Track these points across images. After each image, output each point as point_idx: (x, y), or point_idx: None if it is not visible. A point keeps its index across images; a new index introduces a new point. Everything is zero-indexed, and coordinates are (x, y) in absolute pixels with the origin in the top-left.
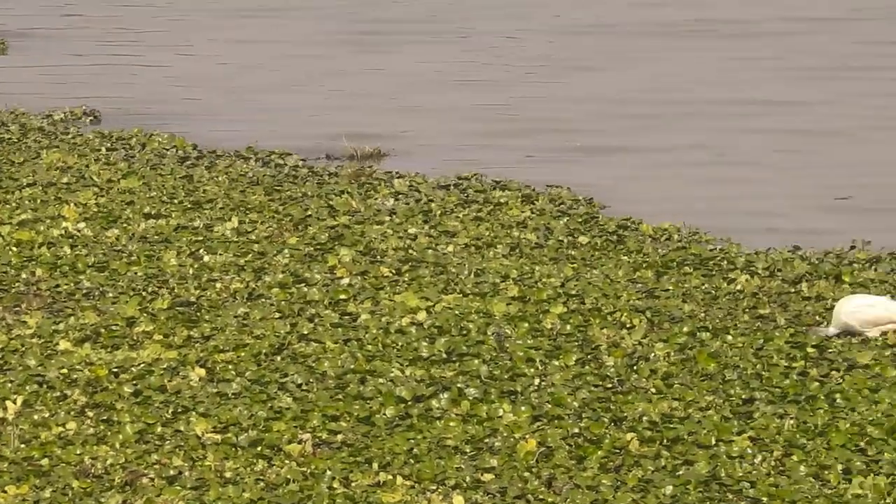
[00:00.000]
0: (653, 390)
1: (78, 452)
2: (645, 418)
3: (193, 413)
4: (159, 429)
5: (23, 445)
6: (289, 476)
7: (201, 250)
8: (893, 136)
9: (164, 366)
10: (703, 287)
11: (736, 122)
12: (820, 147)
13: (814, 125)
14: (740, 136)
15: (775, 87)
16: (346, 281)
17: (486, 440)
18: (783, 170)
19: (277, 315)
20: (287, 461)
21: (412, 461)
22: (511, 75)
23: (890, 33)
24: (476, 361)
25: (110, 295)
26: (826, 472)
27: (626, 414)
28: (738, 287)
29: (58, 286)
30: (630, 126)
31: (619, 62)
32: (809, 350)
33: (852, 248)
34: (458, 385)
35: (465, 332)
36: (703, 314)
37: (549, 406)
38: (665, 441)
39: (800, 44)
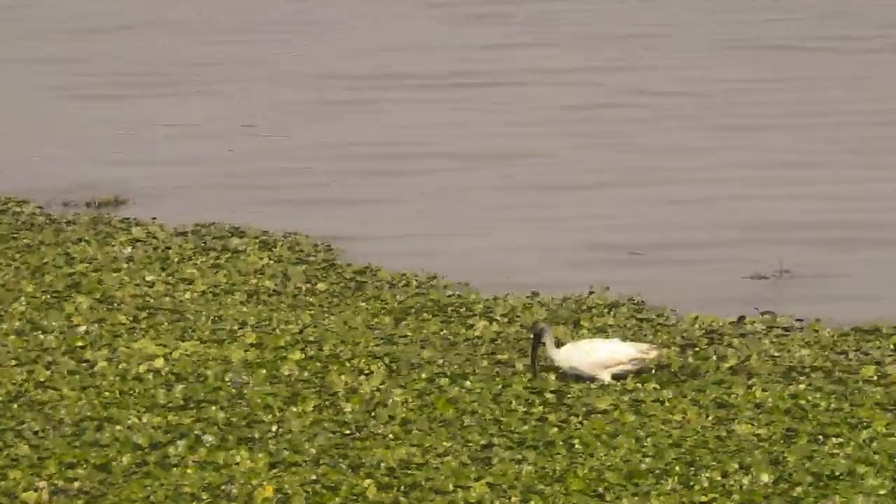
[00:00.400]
0: (391, 436)
1: None
2: (383, 464)
3: None
4: None
5: None
6: None
7: None
8: (631, 189)
9: None
10: (442, 333)
11: (475, 174)
12: (560, 199)
13: (552, 178)
14: (479, 188)
15: (513, 140)
16: (83, 328)
17: (224, 487)
18: (523, 220)
19: (14, 362)
20: None
21: None
22: (246, 125)
23: (637, 83)
24: (213, 408)
25: None
26: None
27: (363, 460)
28: (477, 333)
29: None
30: (371, 176)
31: (355, 112)
32: (548, 396)
33: (591, 293)
34: (196, 432)
35: (202, 378)
36: (441, 360)
37: (287, 453)
38: (403, 487)
39: (541, 96)
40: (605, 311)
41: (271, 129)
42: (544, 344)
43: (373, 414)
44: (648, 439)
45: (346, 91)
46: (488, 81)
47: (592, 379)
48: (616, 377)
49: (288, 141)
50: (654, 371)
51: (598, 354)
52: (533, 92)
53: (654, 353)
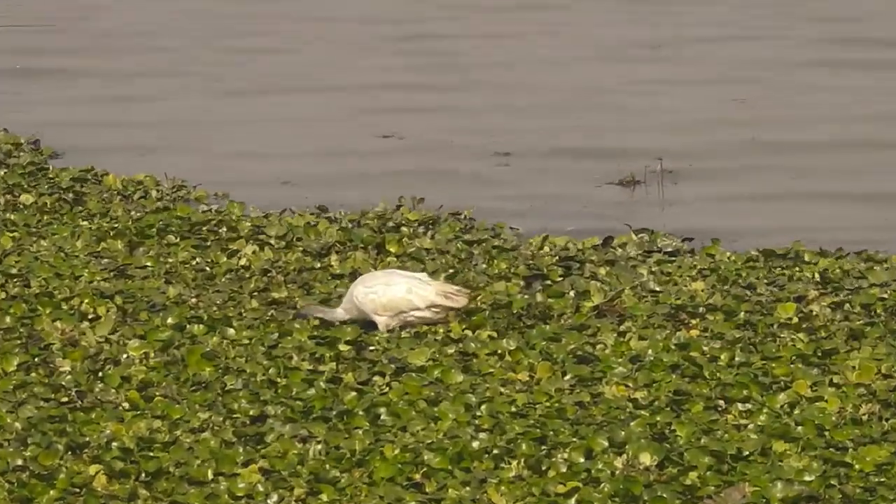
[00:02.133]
0: (125, 406)
1: None
2: (115, 444)
3: None
4: None
5: None
6: None
7: None
8: (428, 89)
9: None
10: (195, 263)
11: (186, 77)
12: (329, 100)
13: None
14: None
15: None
16: None
17: None
18: (284, 121)
19: None
20: None
21: None
22: None
23: None
24: None
25: None
26: None
27: (88, 439)
28: (244, 262)
29: None
30: (67, 72)
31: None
32: (342, 348)
33: (399, 207)
34: None
35: None
36: (194, 300)
37: None
38: (143, 476)
39: None
40: (421, 230)
41: None
42: (322, 319)
43: (100, 375)
44: (483, 407)
45: None
46: None
47: (383, 326)
48: (409, 325)
49: None
50: (488, 313)
51: (389, 293)
52: None
53: (462, 301)
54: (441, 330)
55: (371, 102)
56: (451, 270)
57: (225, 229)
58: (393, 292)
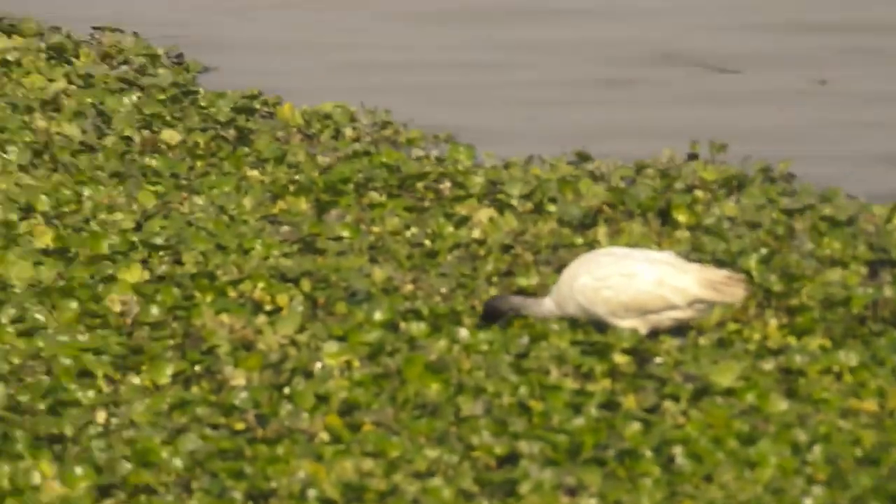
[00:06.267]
0: (324, 437)
1: None
2: (312, 492)
3: None
4: None
5: None
6: None
7: None
8: None
9: None
10: (409, 233)
11: None
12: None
13: None
14: None
15: None
16: None
17: None
18: None
19: None
20: None
21: None
22: None
23: None
24: None
25: None
26: None
27: (274, 485)
28: (477, 233)
29: None
30: None
31: None
32: (619, 359)
33: (691, 157)
34: None
35: None
36: (410, 286)
37: None
38: None
39: None
40: (722, 192)
41: None
42: (514, 314)
43: (286, 392)
44: (817, 448)
45: None
46: None
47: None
48: (655, 331)
49: None
50: (817, 313)
51: (631, 287)
52: None
53: (737, 292)
54: (755, 336)
55: None
56: (762, 251)
57: (449, 185)
58: (638, 286)
